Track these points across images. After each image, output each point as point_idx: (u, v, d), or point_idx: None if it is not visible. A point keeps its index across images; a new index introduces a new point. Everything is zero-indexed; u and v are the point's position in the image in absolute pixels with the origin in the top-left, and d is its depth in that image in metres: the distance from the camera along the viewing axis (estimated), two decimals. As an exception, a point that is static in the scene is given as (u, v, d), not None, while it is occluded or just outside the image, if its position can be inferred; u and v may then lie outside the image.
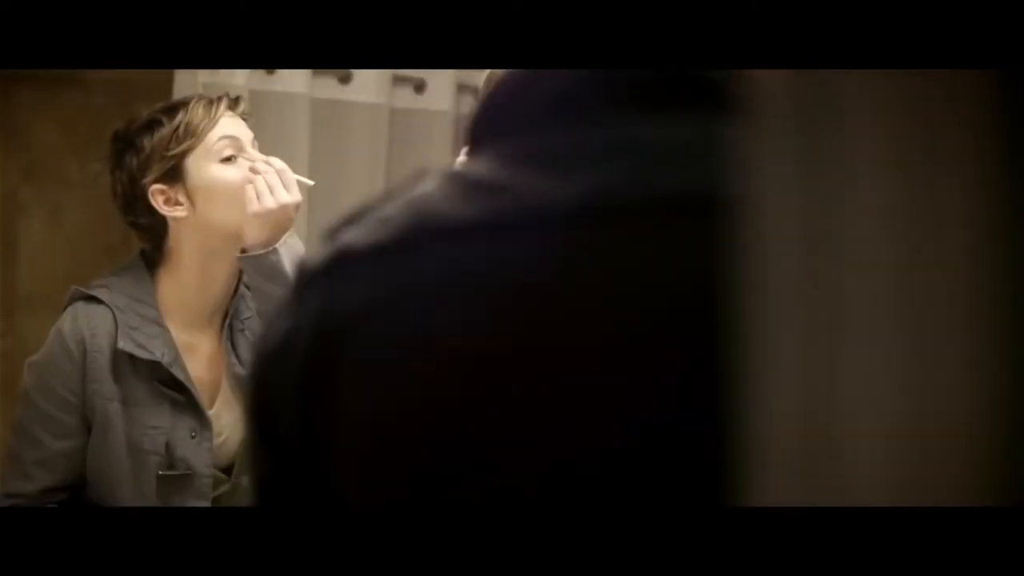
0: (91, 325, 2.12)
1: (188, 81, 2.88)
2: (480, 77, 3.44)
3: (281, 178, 2.14)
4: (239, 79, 2.93)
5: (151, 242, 2.21)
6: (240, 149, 2.18)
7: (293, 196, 2.15)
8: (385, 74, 3.33)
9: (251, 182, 2.13)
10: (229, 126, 2.18)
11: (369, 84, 3.31)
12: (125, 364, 2.13)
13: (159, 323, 2.16)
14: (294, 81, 3.11)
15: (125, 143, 2.17)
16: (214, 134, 2.16)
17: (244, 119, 2.23)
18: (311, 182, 2.26)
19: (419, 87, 3.44)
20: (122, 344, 2.11)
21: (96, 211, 2.66)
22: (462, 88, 3.50)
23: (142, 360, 2.12)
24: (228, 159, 2.16)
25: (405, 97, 3.43)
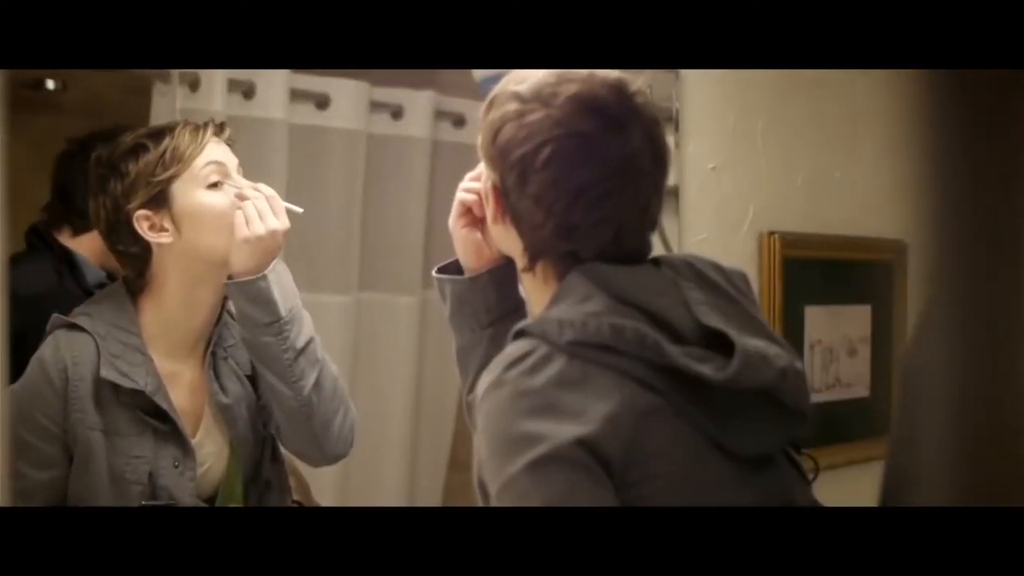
0: (73, 353, 2.09)
1: (166, 106, 2.87)
2: (459, 104, 3.43)
3: (270, 205, 2.12)
4: (217, 104, 2.92)
5: (134, 269, 2.18)
6: (226, 175, 2.16)
7: (282, 223, 2.13)
8: (362, 100, 3.33)
9: (240, 208, 2.11)
10: (215, 152, 2.16)
11: (347, 110, 3.30)
12: (107, 393, 2.09)
13: (142, 351, 2.13)
14: (272, 106, 3.10)
15: (109, 168, 2.14)
16: (201, 159, 2.13)
17: (229, 145, 2.21)
18: (300, 209, 2.25)
19: (396, 113, 3.44)
20: (104, 372, 2.08)
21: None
22: (440, 115, 3.50)
23: (125, 389, 2.09)
24: (214, 185, 2.13)
25: (382, 123, 3.43)
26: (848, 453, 3.03)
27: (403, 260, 3.36)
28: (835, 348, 3.25)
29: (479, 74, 2.98)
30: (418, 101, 3.45)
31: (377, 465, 3.18)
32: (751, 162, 3.06)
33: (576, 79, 1.55)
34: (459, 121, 3.53)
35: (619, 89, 1.56)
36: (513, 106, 1.56)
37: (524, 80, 1.58)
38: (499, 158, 1.57)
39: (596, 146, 1.53)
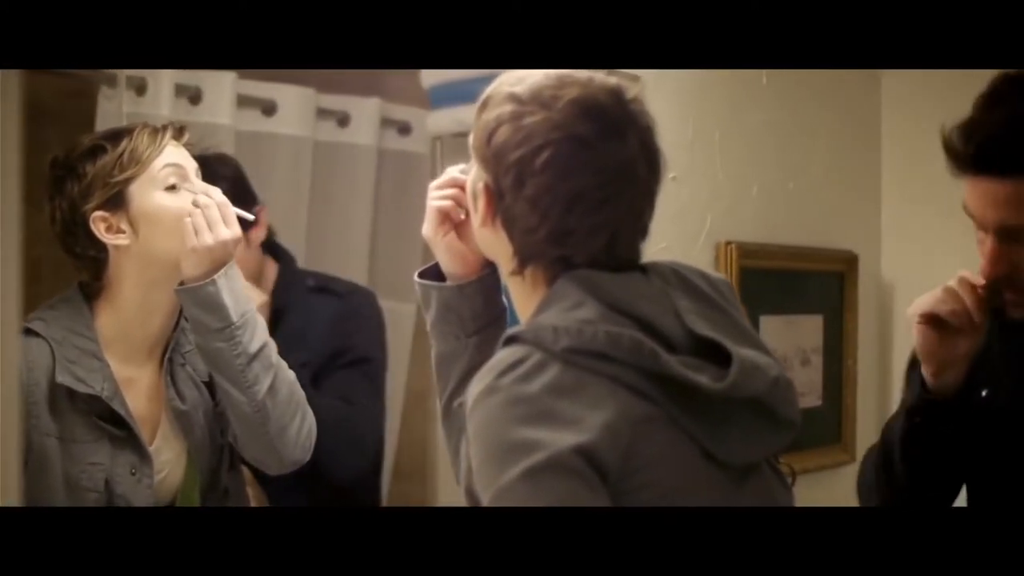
0: (28, 359, 2.04)
1: (112, 110, 2.82)
2: (405, 112, 3.39)
3: (221, 212, 2.09)
4: (164, 109, 2.88)
5: (90, 272, 2.14)
6: (184, 178, 2.12)
7: (233, 231, 2.10)
8: (309, 107, 3.31)
9: (190, 216, 2.07)
10: (174, 154, 2.13)
11: (293, 116, 3.29)
12: (63, 398, 2.05)
13: (98, 356, 2.09)
14: (219, 112, 3.07)
15: (66, 169, 2.10)
16: (159, 162, 2.10)
17: (187, 148, 2.17)
18: (251, 216, 2.21)
19: (342, 120, 3.43)
20: (60, 378, 2.04)
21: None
22: (385, 122, 3.49)
23: (81, 394, 2.05)
24: (172, 187, 2.10)
25: (328, 130, 3.42)
26: (802, 462, 3.03)
27: (349, 266, 3.33)
28: (789, 358, 3.26)
29: (428, 81, 2.95)
30: (364, 108, 3.45)
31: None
32: (708, 172, 3.06)
33: (576, 83, 1.55)
34: (404, 129, 3.52)
35: (617, 95, 1.56)
36: (510, 107, 1.54)
37: (520, 81, 1.56)
38: (494, 160, 1.55)
39: (594, 151, 1.51)
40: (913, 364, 2.00)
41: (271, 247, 2.90)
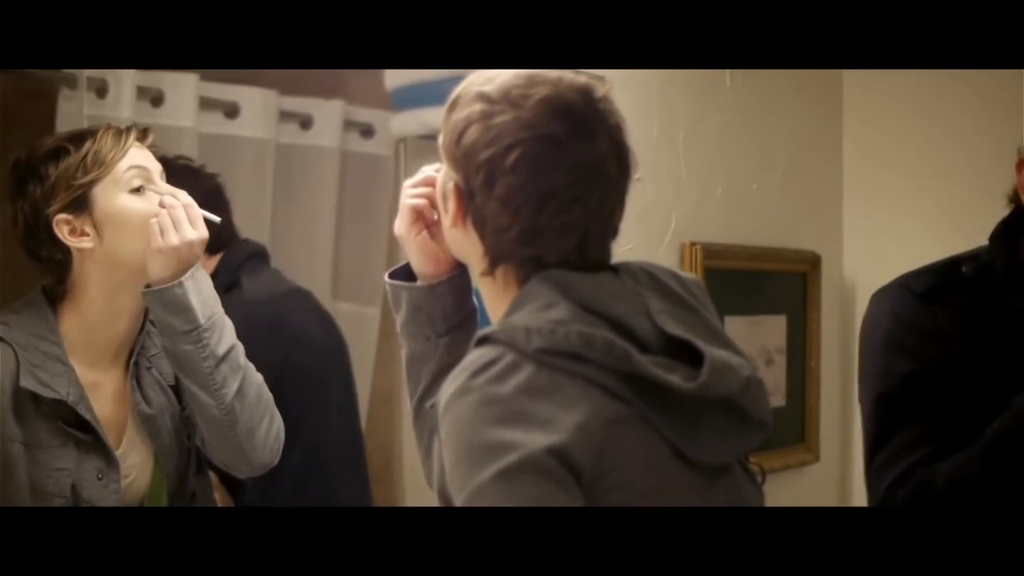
0: None
1: (72, 112, 2.80)
2: (368, 115, 3.38)
3: (188, 213, 2.08)
4: (125, 111, 2.85)
5: (54, 276, 2.11)
6: (149, 180, 2.11)
7: (199, 232, 2.09)
8: (271, 109, 3.30)
9: (156, 217, 2.06)
10: (138, 156, 2.11)
11: (255, 119, 3.27)
12: (28, 404, 2.02)
13: (63, 360, 2.06)
14: (180, 114, 3.05)
15: (28, 171, 2.08)
16: (123, 164, 2.08)
17: (152, 151, 2.15)
18: (217, 219, 2.20)
19: (305, 123, 3.41)
20: (24, 382, 2.01)
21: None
22: (348, 124, 3.48)
23: (46, 399, 2.02)
24: (137, 190, 2.09)
25: (291, 133, 3.40)
26: (767, 462, 3.05)
27: (312, 269, 3.32)
28: (753, 358, 3.26)
29: (391, 83, 2.95)
30: (327, 111, 3.43)
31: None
32: (673, 173, 3.06)
33: (546, 82, 1.54)
34: (367, 131, 3.51)
35: (587, 93, 1.56)
36: (479, 107, 1.54)
37: (490, 81, 1.56)
38: (463, 159, 1.54)
39: (564, 150, 1.51)
40: None
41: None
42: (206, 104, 3.13)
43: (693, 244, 3.03)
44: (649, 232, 2.98)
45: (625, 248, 2.85)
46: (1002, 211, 2.02)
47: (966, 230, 2.11)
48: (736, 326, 3.20)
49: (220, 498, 2.42)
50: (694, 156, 3.11)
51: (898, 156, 2.57)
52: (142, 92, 2.93)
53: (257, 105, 3.25)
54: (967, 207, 3.00)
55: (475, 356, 1.46)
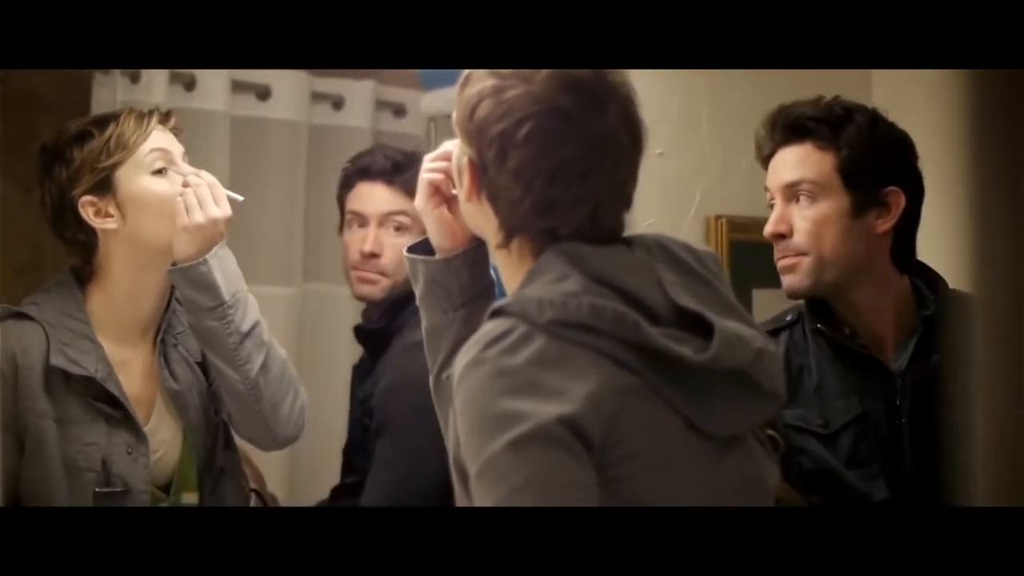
0: (22, 342, 2.08)
1: (106, 97, 2.85)
2: (399, 94, 3.39)
3: (212, 192, 2.13)
4: (158, 96, 2.90)
5: (81, 256, 2.18)
6: (171, 162, 2.16)
7: (223, 210, 2.14)
8: (303, 91, 3.32)
9: (181, 196, 2.11)
10: (160, 139, 2.16)
11: (288, 101, 3.29)
12: (58, 380, 2.08)
13: (91, 338, 2.12)
14: (213, 98, 3.09)
15: (54, 155, 2.14)
16: (145, 146, 2.14)
17: (175, 133, 2.20)
18: (241, 198, 2.24)
19: (337, 104, 3.43)
20: (54, 360, 2.07)
21: (6, 230, 2.58)
22: (380, 105, 3.50)
23: (75, 376, 2.08)
24: (159, 171, 2.14)
25: (323, 114, 3.42)
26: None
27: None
28: (781, 330, 3.26)
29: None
30: (358, 91, 3.45)
31: (323, 456, 3.16)
32: (696, 148, 3.07)
33: None
34: (399, 111, 3.53)
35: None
36: (491, 82, 1.56)
37: None
38: (477, 134, 1.57)
39: (575, 123, 1.53)
40: None
41: None
42: (238, 87, 3.16)
43: (719, 217, 3.04)
44: (673, 206, 2.98)
45: (647, 222, 2.88)
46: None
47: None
48: (764, 299, 3.19)
49: (251, 473, 2.47)
50: (718, 131, 3.11)
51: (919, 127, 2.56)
52: (175, 77, 2.99)
53: (289, 87, 3.27)
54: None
55: (488, 328, 1.48)
